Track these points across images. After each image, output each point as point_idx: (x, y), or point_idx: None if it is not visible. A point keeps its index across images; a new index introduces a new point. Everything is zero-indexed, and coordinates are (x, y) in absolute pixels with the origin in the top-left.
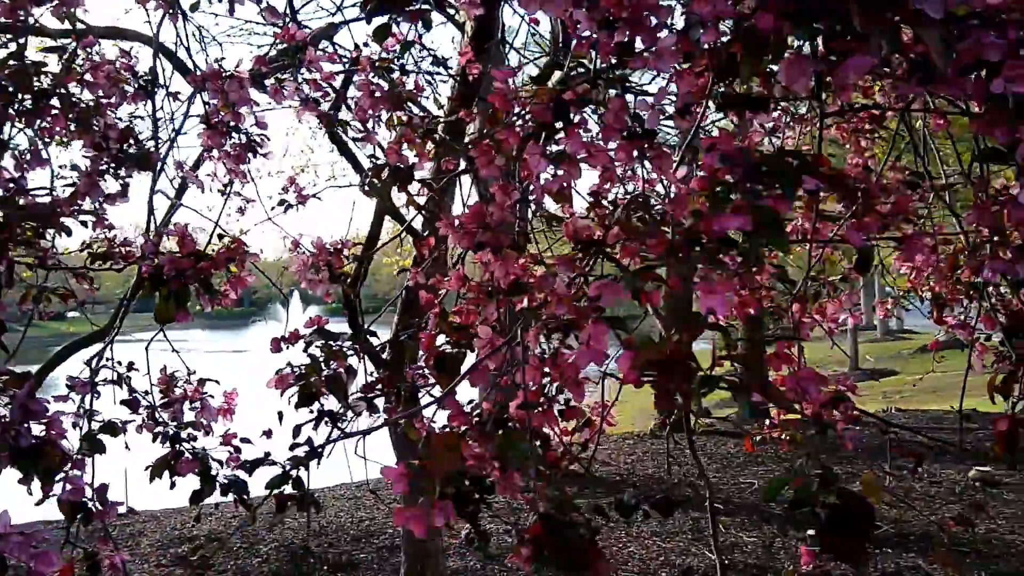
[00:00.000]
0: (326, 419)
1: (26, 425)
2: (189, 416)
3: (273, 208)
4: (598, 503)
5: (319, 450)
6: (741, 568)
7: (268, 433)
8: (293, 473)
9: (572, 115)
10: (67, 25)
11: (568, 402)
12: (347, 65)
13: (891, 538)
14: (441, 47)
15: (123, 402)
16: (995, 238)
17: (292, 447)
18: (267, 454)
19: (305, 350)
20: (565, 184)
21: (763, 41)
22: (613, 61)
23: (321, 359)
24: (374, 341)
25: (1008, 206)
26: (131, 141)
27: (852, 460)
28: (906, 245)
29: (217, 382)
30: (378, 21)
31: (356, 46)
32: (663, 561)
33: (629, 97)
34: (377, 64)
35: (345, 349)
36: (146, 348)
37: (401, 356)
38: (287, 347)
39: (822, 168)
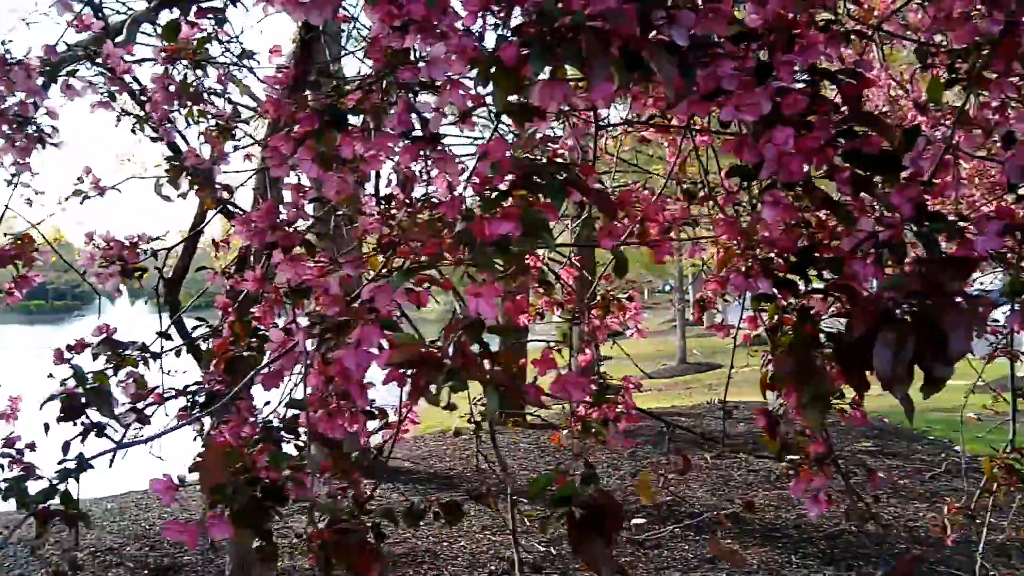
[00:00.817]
0: (95, 431)
1: None
2: None
3: (68, 199)
4: (390, 507)
5: (87, 463)
6: (555, 556)
7: (32, 446)
8: (60, 487)
9: (346, 122)
10: None
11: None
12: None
13: (707, 523)
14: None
15: None
16: (742, 251)
17: (61, 462)
18: (33, 467)
19: (94, 359)
20: (342, 189)
21: (510, 70)
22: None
23: (91, 374)
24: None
25: (754, 221)
26: None
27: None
28: (656, 249)
29: None
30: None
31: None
32: (493, 554)
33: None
34: (171, 56)
35: (135, 356)
36: None
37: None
38: (73, 356)
39: (586, 183)
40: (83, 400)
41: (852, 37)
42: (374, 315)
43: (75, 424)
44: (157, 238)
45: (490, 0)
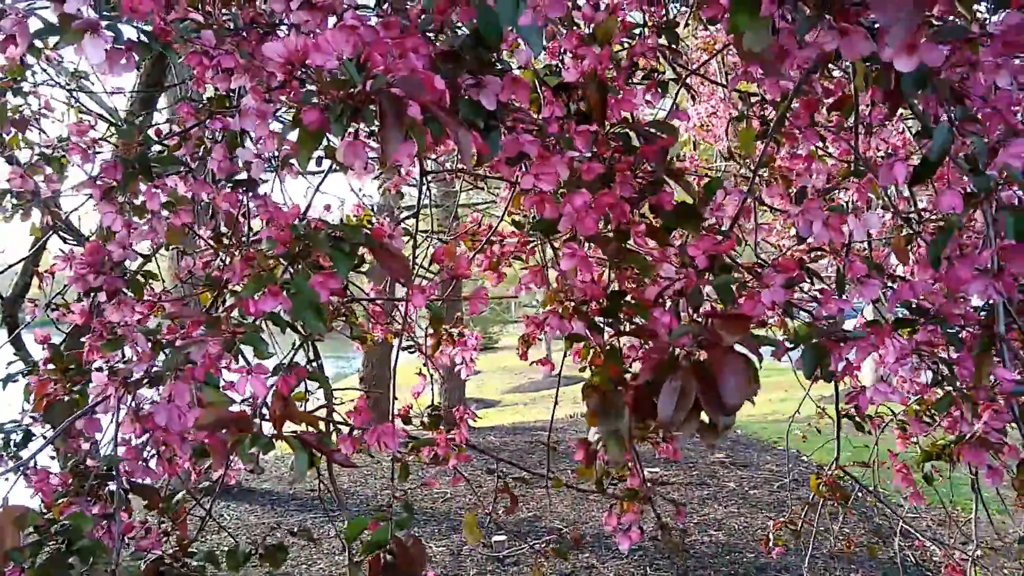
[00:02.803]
0: None
1: None
2: None
3: None
4: (211, 551)
5: None
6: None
7: None
8: None
9: (150, 174)
10: None
11: None
12: None
13: (567, 540)
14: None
15: None
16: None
17: None
18: None
19: None
20: (149, 237)
21: (313, 133)
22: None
23: None
24: None
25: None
26: None
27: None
28: (471, 301)
29: None
30: None
31: None
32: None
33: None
34: None
35: None
36: None
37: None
38: None
39: (380, 246)
40: None
41: (668, 84)
42: (188, 368)
43: None
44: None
45: (287, 65)
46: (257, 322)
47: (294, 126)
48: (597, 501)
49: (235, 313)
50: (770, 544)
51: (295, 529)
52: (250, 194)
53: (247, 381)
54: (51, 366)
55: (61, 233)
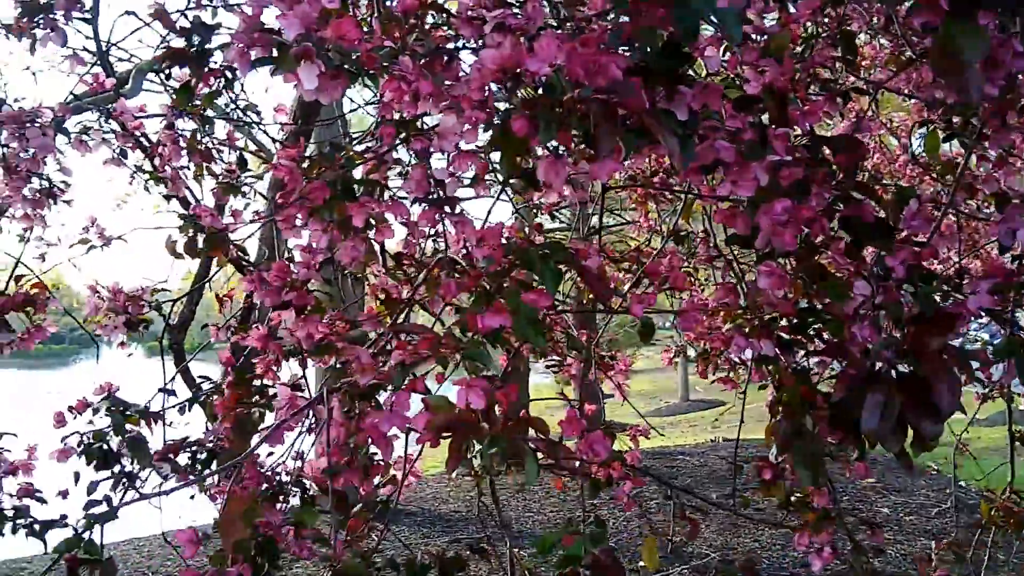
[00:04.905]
0: (124, 480)
1: None
2: None
3: (72, 246)
4: (393, 559)
5: (115, 511)
6: None
7: (64, 493)
8: (86, 535)
9: (355, 193)
10: None
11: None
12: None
13: (714, 566)
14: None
15: None
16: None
17: (86, 506)
18: (63, 516)
19: (90, 420)
20: (353, 257)
21: (518, 142)
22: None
23: (111, 427)
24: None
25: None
26: None
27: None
28: (682, 317)
29: (15, 435)
30: None
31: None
32: None
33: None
34: (184, 111)
35: (137, 415)
36: None
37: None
38: (75, 416)
39: (581, 264)
40: (118, 451)
41: (850, 95)
42: (409, 380)
43: (109, 473)
44: (161, 289)
45: (498, 73)
46: (476, 338)
47: (495, 141)
48: (744, 525)
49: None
50: (932, 564)
51: (473, 545)
52: (448, 212)
53: (467, 392)
54: (236, 385)
55: (242, 260)
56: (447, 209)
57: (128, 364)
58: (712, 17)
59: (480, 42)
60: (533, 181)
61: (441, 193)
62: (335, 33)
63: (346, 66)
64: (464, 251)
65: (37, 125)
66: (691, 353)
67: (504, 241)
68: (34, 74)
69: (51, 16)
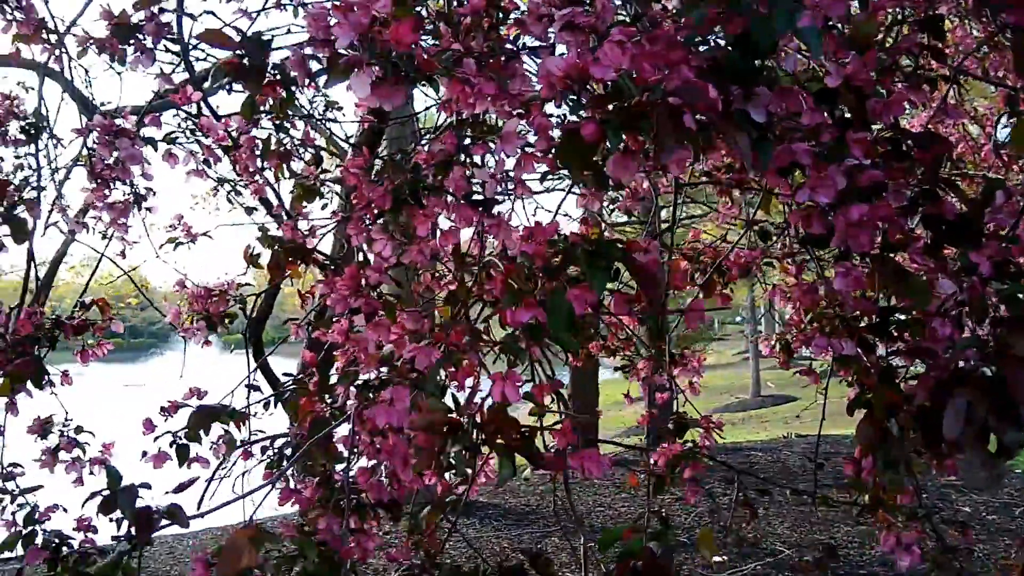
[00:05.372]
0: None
1: None
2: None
3: (162, 246)
4: (456, 565)
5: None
6: None
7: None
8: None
9: (422, 199)
10: None
11: None
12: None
13: (788, 562)
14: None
15: None
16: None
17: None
18: (89, 550)
19: (191, 429)
20: (420, 261)
21: (586, 146)
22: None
23: (191, 441)
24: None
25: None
26: (13, 196)
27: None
28: (686, 317)
29: (92, 433)
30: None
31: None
32: None
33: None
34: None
35: (227, 416)
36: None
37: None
38: (167, 418)
39: (636, 261)
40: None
41: (937, 82)
42: (414, 375)
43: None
44: (245, 284)
45: (564, 80)
46: (515, 333)
47: (562, 147)
48: (818, 523)
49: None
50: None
51: (533, 549)
52: (486, 213)
53: (501, 387)
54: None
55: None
56: (483, 212)
57: (204, 358)
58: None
59: (549, 39)
60: (602, 178)
61: (483, 194)
62: (391, 38)
63: (404, 71)
64: (505, 251)
65: (125, 135)
66: (763, 350)
67: (554, 237)
68: (119, 74)
69: (140, 39)
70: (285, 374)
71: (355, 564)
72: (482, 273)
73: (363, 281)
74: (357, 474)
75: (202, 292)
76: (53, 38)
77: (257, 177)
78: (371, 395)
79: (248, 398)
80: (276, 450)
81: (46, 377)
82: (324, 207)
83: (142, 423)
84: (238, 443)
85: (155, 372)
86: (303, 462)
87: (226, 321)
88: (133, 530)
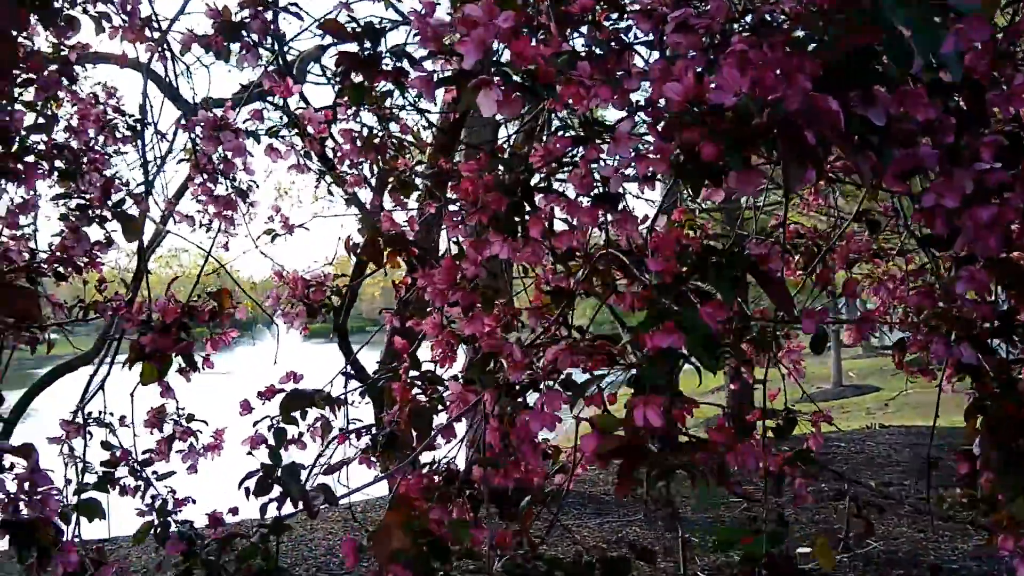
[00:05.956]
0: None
1: (28, 499)
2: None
3: (259, 237)
4: (556, 556)
5: (284, 525)
6: None
7: (235, 511)
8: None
9: (535, 203)
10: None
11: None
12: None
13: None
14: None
15: (104, 463)
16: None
17: (258, 525)
18: (232, 535)
19: (283, 412)
20: (532, 261)
21: (705, 167)
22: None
23: (288, 425)
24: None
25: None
26: (119, 191)
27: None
28: (856, 327)
29: (206, 422)
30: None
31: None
32: None
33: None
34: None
35: (321, 400)
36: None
37: (381, 404)
38: (264, 402)
39: (766, 273)
40: (276, 478)
41: None
42: (558, 377)
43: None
44: (340, 275)
45: (683, 104)
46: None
47: (680, 166)
48: (907, 515)
49: None
50: None
51: (636, 543)
52: (610, 209)
53: (642, 411)
54: (412, 373)
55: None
56: (610, 207)
57: (286, 347)
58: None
59: (660, 37)
60: (717, 183)
61: (606, 190)
62: (512, 53)
63: (526, 84)
64: (628, 246)
65: (229, 128)
66: (846, 339)
67: (679, 248)
68: (207, 67)
69: (245, 36)
70: (379, 362)
71: (469, 551)
72: (590, 268)
73: (460, 274)
74: (487, 456)
75: (301, 280)
76: (156, 35)
77: (355, 169)
78: (516, 399)
79: (346, 386)
80: (373, 436)
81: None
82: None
83: (239, 404)
84: (334, 429)
85: (243, 360)
86: (400, 450)
87: (325, 310)
88: (281, 511)
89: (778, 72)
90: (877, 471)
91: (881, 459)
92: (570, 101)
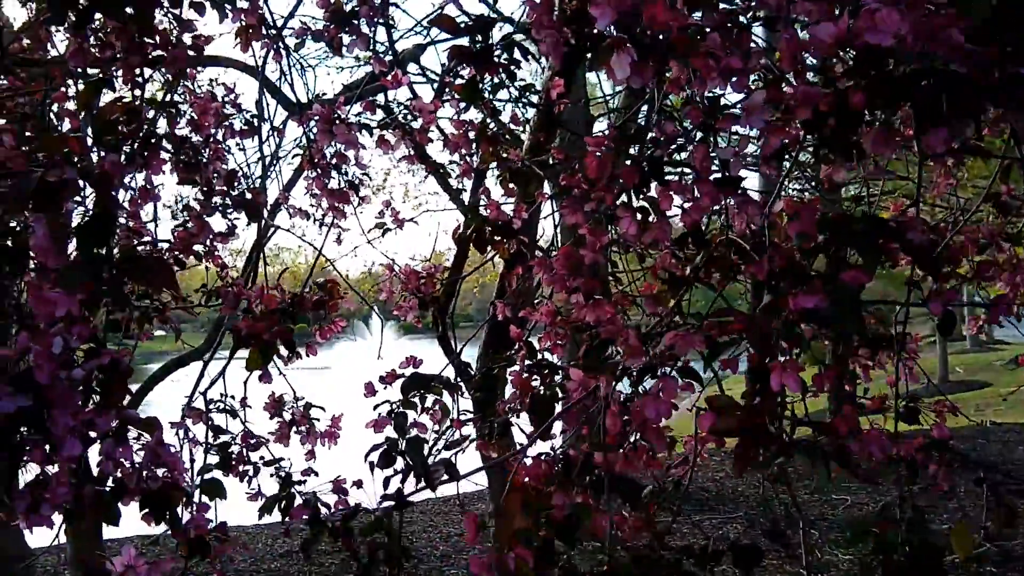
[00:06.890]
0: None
1: (156, 470)
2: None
3: (370, 231)
4: (688, 545)
5: (407, 500)
6: None
7: (359, 483)
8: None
9: (662, 175)
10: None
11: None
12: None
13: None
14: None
15: (220, 445)
16: None
17: (383, 498)
18: (358, 505)
19: (404, 394)
20: (661, 238)
21: (855, 117)
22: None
23: (407, 409)
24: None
25: None
26: (238, 183)
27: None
28: (993, 311)
29: (323, 408)
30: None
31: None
32: None
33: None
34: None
35: (439, 386)
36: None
37: (493, 392)
38: (385, 387)
39: (907, 237)
40: (400, 451)
41: None
42: (675, 364)
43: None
44: (448, 269)
45: (833, 47)
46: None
47: (829, 115)
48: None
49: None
50: None
51: (768, 529)
52: (730, 191)
53: (779, 377)
54: (527, 362)
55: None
56: (732, 189)
57: (386, 341)
58: None
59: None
60: (852, 152)
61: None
62: (646, 17)
63: (658, 50)
64: (748, 230)
65: (344, 123)
66: (967, 330)
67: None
68: (310, 67)
69: (356, 23)
70: (480, 355)
71: (593, 538)
72: (707, 255)
73: (579, 261)
74: (608, 441)
75: (413, 273)
76: (271, 32)
77: (463, 160)
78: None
79: (456, 376)
80: (490, 422)
81: (294, 349)
82: (538, 192)
83: (364, 386)
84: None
85: (341, 356)
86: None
87: (433, 301)
88: (406, 486)
89: (931, 28)
90: (989, 467)
91: (994, 457)
92: (694, 76)
